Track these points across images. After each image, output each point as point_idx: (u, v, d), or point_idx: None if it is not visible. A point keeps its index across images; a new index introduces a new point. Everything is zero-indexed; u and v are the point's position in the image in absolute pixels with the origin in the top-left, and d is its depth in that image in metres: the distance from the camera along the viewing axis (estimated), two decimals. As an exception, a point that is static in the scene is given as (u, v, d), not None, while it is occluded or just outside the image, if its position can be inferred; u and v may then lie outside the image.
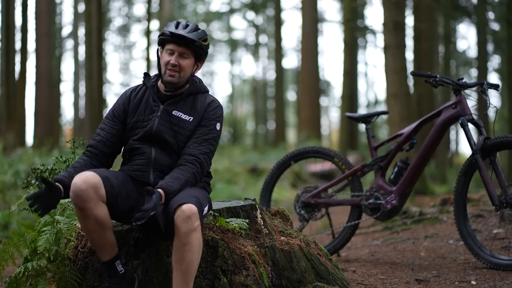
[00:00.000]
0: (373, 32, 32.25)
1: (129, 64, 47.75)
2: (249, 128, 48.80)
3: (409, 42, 19.66)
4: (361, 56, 38.14)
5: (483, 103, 5.64)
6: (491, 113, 20.41)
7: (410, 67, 18.16)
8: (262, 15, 38.98)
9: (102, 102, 19.61)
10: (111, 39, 43.38)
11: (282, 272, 3.80)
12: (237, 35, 43.06)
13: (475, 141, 5.26)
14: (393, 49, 11.43)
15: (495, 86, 5.48)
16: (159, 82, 3.87)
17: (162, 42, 3.78)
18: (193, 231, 3.30)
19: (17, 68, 19.94)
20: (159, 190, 3.40)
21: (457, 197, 5.37)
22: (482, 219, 6.99)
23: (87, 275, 3.74)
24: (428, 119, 5.65)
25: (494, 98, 32.84)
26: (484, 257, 5.14)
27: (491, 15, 27.34)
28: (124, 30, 42.70)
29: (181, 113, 3.75)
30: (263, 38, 41.09)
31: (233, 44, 42.86)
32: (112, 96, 45.46)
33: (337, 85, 48.34)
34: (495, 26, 28.36)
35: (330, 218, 6.21)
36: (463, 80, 5.48)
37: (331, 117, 49.78)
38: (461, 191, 5.36)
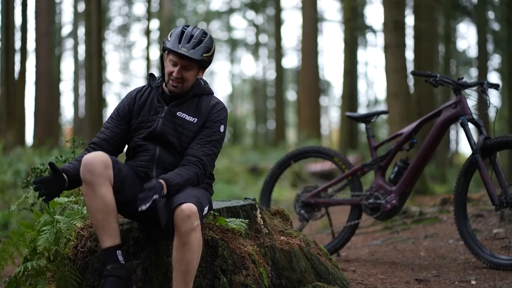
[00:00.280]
0: (373, 31, 32.22)
1: (129, 63, 47.76)
2: (249, 128, 48.80)
3: (409, 41, 19.67)
4: (361, 55, 38.18)
5: (483, 103, 5.64)
6: (491, 112, 20.39)
7: (410, 67, 18.16)
8: (262, 15, 38.98)
9: (102, 101, 19.61)
10: (111, 39, 43.40)
11: (282, 271, 3.80)
12: (237, 34, 43.09)
13: (475, 141, 5.26)
14: (393, 48, 11.44)
15: (495, 86, 5.48)
16: (164, 84, 3.87)
17: (165, 50, 3.77)
18: (192, 230, 3.30)
19: (17, 67, 19.91)
20: (160, 180, 3.41)
21: (457, 196, 5.37)
22: (482, 219, 6.99)
23: (86, 275, 3.73)
24: (428, 118, 5.65)
25: (494, 98, 32.84)
26: (484, 257, 5.14)
27: (491, 14, 27.33)
28: (124, 29, 42.69)
29: (185, 114, 3.75)
30: (263, 38, 41.08)
31: (233, 44, 42.85)
32: (112, 95, 45.54)
33: (337, 85, 48.40)
34: (495, 26, 28.36)
35: (330, 217, 6.21)
36: (463, 80, 5.48)
37: (331, 116, 49.82)
38: (461, 191, 5.36)
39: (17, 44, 20.35)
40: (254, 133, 44.72)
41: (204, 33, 3.78)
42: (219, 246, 3.67)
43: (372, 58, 64.60)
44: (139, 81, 44.79)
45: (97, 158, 3.42)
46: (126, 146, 3.88)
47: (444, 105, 5.53)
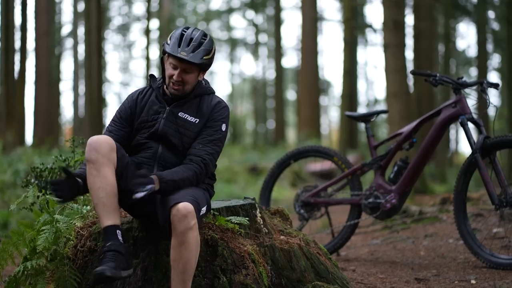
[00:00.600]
0: (373, 30, 32.21)
1: (128, 63, 47.75)
2: (248, 127, 48.80)
3: (409, 41, 19.69)
4: (361, 55, 38.18)
5: (483, 102, 5.64)
6: (491, 112, 20.39)
7: (410, 66, 18.17)
8: (262, 14, 38.97)
9: (101, 101, 19.62)
10: (111, 38, 43.38)
11: (281, 271, 3.80)
12: (237, 34, 43.07)
13: (475, 140, 5.26)
14: (393, 48, 11.45)
15: (495, 85, 5.48)
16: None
17: (165, 53, 3.76)
18: (189, 229, 3.29)
19: (17, 67, 19.92)
20: (153, 175, 3.43)
21: (457, 196, 5.37)
22: (481, 218, 6.99)
23: (86, 274, 3.73)
24: (428, 118, 5.65)
25: (494, 97, 32.85)
26: (484, 256, 5.13)
27: (491, 14, 27.33)
28: (123, 29, 42.67)
29: (187, 115, 3.75)
30: (263, 37, 41.08)
31: (233, 43, 42.84)
32: (111, 95, 45.57)
33: (337, 84, 48.34)
34: (495, 25, 28.36)
35: (330, 217, 6.21)
36: (463, 79, 5.47)
37: (331, 116, 49.80)
38: (461, 190, 5.36)
39: (17, 44, 20.35)
40: (253, 132, 44.73)
41: (204, 35, 3.77)
42: (218, 245, 3.67)
43: (372, 58, 64.63)
44: (139, 81, 44.80)
45: (103, 139, 3.44)
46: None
47: (444, 104, 5.53)
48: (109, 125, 3.85)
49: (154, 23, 35.94)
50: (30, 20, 22.13)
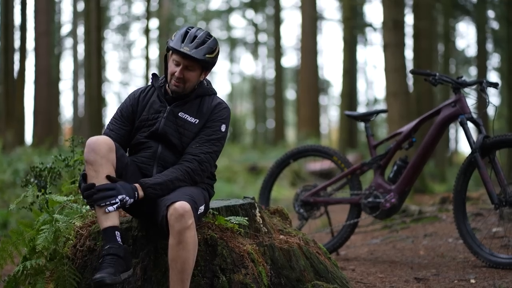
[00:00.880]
0: (373, 28, 32.22)
1: (128, 62, 47.75)
2: (248, 127, 48.80)
3: (409, 40, 19.69)
4: (360, 54, 38.18)
5: (482, 102, 5.64)
6: (491, 111, 20.38)
7: (409, 66, 18.17)
8: (262, 14, 38.97)
9: (101, 100, 19.62)
10: (110, 38, 43.40)
11: (281, 270, 3.80)
12: (237, 33, 43.07)
13: (475, 140, 5.26)
14: (393, 47, 11.45)
15: (494, 85, 5.47)
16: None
17: (169, 49, 3.77)
18: (186, 229, 3.29)
19: (16, 66, 19.91)
20: (135, 183, 3.44)
21: (457, 195, 5.37)
22: (481, 218, 6.99)
23: (85, 274, 3.73)
24: (428, 117, 5.65)
25: (494, 97, 32.85)
26: (483, 256, 5.13)
27: (490, 13, 27.33)
28: (123, 28, 42.67)
29: (187, 115, 3.75)
30: (263, 37, 41.08)
31: (233, 43, 42.84)
32: (111, 94, 45.59)
33: (337, 84, 48.31)
34: (495, 25, 28.36)
35: (329, 216, 6.20)
36: (462, 79, 5.47)
37: (331, 115, 49.83)
38: (460, 190, 5.36)
39: (17, 43, 20.36)
40: (253, 132, 44.73)
41: (209, 35, 3.78)
42: (218, 245, 3.67)
43: (372, 57, 64.61)
44: (139, 80, 44.80)
45: (101, 140, 3.45)
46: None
47: (443, 103, 5.53)
48: (109, 123, 3.85)
49: (154, 23, 35.95)
50: (29, 20, 22.12)
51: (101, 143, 3.43)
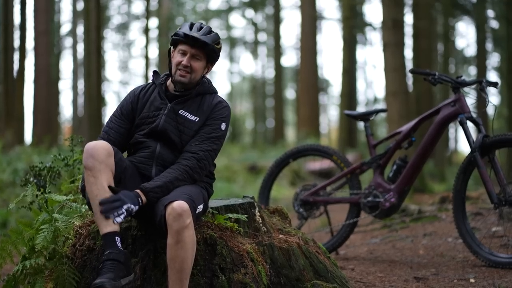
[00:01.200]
0: (373, 28, 32.23)
1: (128, 62, 47.76)
2: (248, 126, 48.80)
3: (408, 40, 19.67)
4: (360, 54, 38.17)
5: (482, 101, 5.64)
6: (490, 111, 20.38)
7: (409, 65, 18.16)
8: (261, 13, 38.97)
9: (100, 100, 19.62)
10: (110, 37, 43.39)
11: (280, 270, 3.80)
12: (236, 33, 43.05)
13: (474, 139, 5.26)
14: (392, 47, 11.45)
15: (494, 84, 5.47)
16: (169, 81, 3.88)
17: (174, 42, 3.79)
18: (185, 228, 3.29)
19: (16, 66, 19.92)
20: (136, 189, 3.43)
21: (456, 195, 5.37)
22: (481, 217, 6.99)
23: (85, 273, 3.73)
24: (427, 117, 5.65)
25: (493, 96, 32.85)
26: (483, 255, 5.13)
27: (490, 13, 27.33)
28: (123, 28, 42.67)
29: (187, 113, 3.75)
30: (262, 36, 41.09)
31: (232, 42, 42.83)
32: (111, 94, 45.59)
33: (336, 83, 48.26)
34: (495, 24, 28.37)
35: (329, 216, 6.20)
36: (462, 78, 5.47)
37: (330, 115, 49.82)
38: (460, 189, 5.36)
39: (16, 43, 20.36)
40: (253, 131, 44.73)
41: (212, 30, 3.83)
42: (217, 244, 3.67)
43: (371, 57, 64.61)
44: (138, 80, 44.78)
45: (100, 145, 3.44)
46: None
47: (443, 103, 5.53)
48: (109, 120, 3.85)
49: (153, 22, 35.96)
50: (29, 19, 22.15)
51: (100, 148, 3.43)
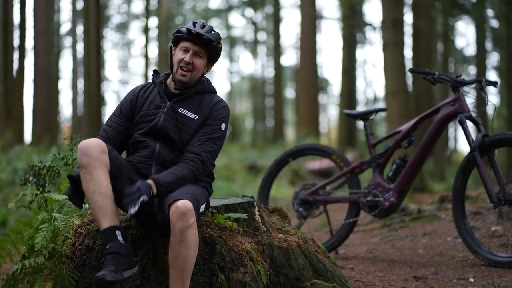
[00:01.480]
0: (373, 27, 32.24)
1: (127, 61, 47.73)
2: (247, 126, 48.79)
3: (408, 39, 19.67)
4: (359, 53, 38.17)
5: (481, 100, 5.64)
6: (490, 110, 20.39)
7: (408, 65, 18.16)
8: (261, 13, 38.95)
9: (100, 99, 19.64)
10: (110, 37, 43.35)
11: (280, 269, 3.80)
12: (236, 32, 43.02)
13: (474, 138, 5.26)
14: (392, 46, 11.45)
15: (493, 83, 5.47)
16: (169, 80, 3.89)
17: (176, 40, 3.80)
18: (188, 228, 3.29)
19: (15, 65, 19.93)
20: (149, 180, 3.41)
21: (456, 194, 5.37)
22: (480, 217, 6.99)
23: (84, 273, 3.73)
24: (427, 116, 5.65)
25: (493, 96, 32.86)
26: (482, 255, 5.14)
27: (490, 12, 27.33)
28: (122, 27, 42.64)
29: (186, 111, 3.76)
30: (262, 36, 41.07)
31: (232, 42, 42.81)
32: (110, 93, 45.54)
33: (336, 83, 48.25)
34: (494, 24, 28.36)
35: (328, 215, 6.20)
36: (462, 77, 5.47)
37: (330, 114, 49.80)
38: (459, 189, 5.36)
39: (16, 42, 20.36)
40: (252, 131, 44.70)
41: (213, 29, 3.84)
42: (217, 243, 3.67)
43: (371, 56, 64.59)
44: (138, 79, 44.76)
45: (93, 143, 3.45)
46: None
47: (442, 102, 5.53)
48: (108, 119, 3.86)
49: (153, 21, 35.92)
50: (29, 18, 22.13)
51: (93, 145, 3.44)
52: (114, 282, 3.21)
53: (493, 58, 33.49)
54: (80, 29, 27.15)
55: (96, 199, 3.39)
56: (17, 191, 9.92)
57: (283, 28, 66.81)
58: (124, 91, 44.30)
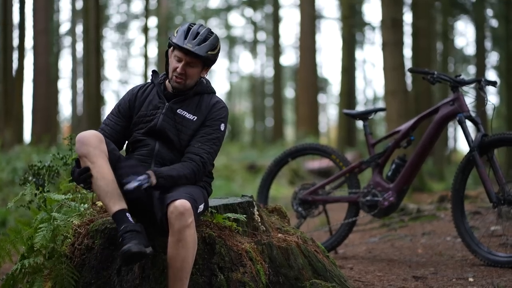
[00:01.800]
0: (372, 27, 32.25)
1: (127, 61, 47.74)
2: (247, 126, 48.79)
3: (407, 39, 19.68)
4: (359, 53, 38.15)
5: (481, 100, 5.64)
6: (489, 110, 20.40)
7: (408, 64, 18.18)
8: (260, 12, 38.94)
9: (100, 99, 19.64)
10: (109, 36, 43.35)
11: (279, 269, 3.80)
12: (235, 32, 43.03)
13: (473, 138, 5.26)
14: (391, 46, 11.46)
15: (493, 83, 5.47)
16: (167, 81, 3.87)
17: (171, 45, 3.78)
18: (186, 227, 3.29)
19: (15, 65, 19.93)
20: (148, 171, 3.43)
21: (455, 194, 5.37)
22: (479, 216, 7.00)
23: (84, 272, 3.73)
24: (426, 116, 5.65)
25: (492, 95, 32.87)
26: (482, 254, 5.14)
27: (489, 12, 27.33)
28: (122, 27, 42.64)
29: (185, 112, 3.75)
30: (261, 35, 41.08)
31: (231, 41, 42.82)
32: (110, 93, 45.56)
33: (335, 82, 48.23)
34: (494, 23, 28.36)
35: (328, 215, 6.20)
36: (461, 77, 5.48)
37: (329, 114, 49.83)
38: (459, 188, 5.36)
39: (15, 42, 20.36)
40: (252, 130, 44.70)
41: (211, 32, 3.79)
42: (216, 243, 3.67)
43: (370, 56, 64.61)
44: (137, 79, 44.75)
45: (90, 133, 3.50)
46: (126, 142, 3.88)
47: (442, 102, 5.54)
48: (106, 118, 3.87)
49: (153, 21, 35.91)
50: (28, 18, 22.12)
51: (91, 135, 3.47)
52: (140, 254, 3.21)
53: (493, 58, 33.51)
54: (79, 28, 27.21)
55: (101, 184, 3.41)
56: (16, 190, 9.91)
57: (282, 28, 66.79)
58: (124, 91, 44.31)
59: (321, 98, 41.65)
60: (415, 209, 7.95)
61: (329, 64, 70.62)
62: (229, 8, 39.65)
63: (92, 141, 3.44)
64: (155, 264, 3.63)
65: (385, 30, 11.61)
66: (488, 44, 29.40)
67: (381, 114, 19.27)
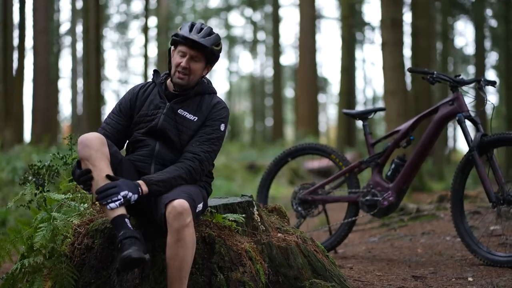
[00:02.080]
0: (372, 27, 32.26)
1: (127, 60, 47.74)
2: (247, 125, 48.79)
3: (407, 39, 19.68)
4: (359, 53, 38.14)
5: (480, 100, 5.64)
6: (489, 110, 20.39)
7: (407, 64, 18.16)
8: (260, 12, 38.95)
9: (100, 98, 19.64)
10: (109, 36, 43.37)
11: (279, 268, 3.80)
12: (235, 32, 43.04)
13: (472, 138, 5.26)
14: (391, 46, 11.46)
15: (492, 83, 5.48)
16: (168, 80, 3.88)
17: (174, 43, 3.79)
18: (185, 227, 3.29)
19: (15, 65, 19.93)
20: (139, 180, 3.43)
21: (454, 194, 5.38)
22: (479, 216, 7.00)
23: (83, 272, 3.73)
24: (425, 115, 5.65)
25: (492, 95, 32.86)
26: (481, 254, 5.14)
27: (489, 11, 27.34)
28: (122, 27, 42.66)
29: (186, 112, 3.75)
30: (261, 35, 41.08)
31: (231, 41, 42.81)
32: (110, 93, 45.56)
33: (335, 82, 48.20)
34: (493, 23, 28.37)
35: (327, 214, 6.21)
36: (460, 77, 5.48)
37: (329, 114, 49.83)
38: (458, 188, 5.37)
39: (15, 42, 20.36)
40: (252, 130, 44.71)
41: (212, 30, 3.82)
42: (216, 243, 3.67)
43: (370, 56, 64.62)
44: (137, 79, 44.78)
45: (93, 135, 3.48)
46: (127, 141, 3.89)
47: (441, 102, 5.54)
48: (107, 117, 3.86)
49: (153, 21, 35.91)
50: (28, 18, 22.12)
51: (93, 138, 3.46)
52: (139, 259, 3.21)
53: (492, 58, 33.53)
54: (79, 28, 27.20)
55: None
56: (16, 190, 9.91)
57: (282, 28, 66.73)
58: (124, 91, 44.31)
59: (321, 97, 41.66)
60: (415, 209, 7.95)
61: (329, 63, 70.73)
62: (229, 8, 39.67)
63: (94, 144, 3.43)
64: (155, 263, 3.64)
65: (385, 30, 11.62)
66: (487, 44, 29.42)
67: (381, 113, 19.27)
